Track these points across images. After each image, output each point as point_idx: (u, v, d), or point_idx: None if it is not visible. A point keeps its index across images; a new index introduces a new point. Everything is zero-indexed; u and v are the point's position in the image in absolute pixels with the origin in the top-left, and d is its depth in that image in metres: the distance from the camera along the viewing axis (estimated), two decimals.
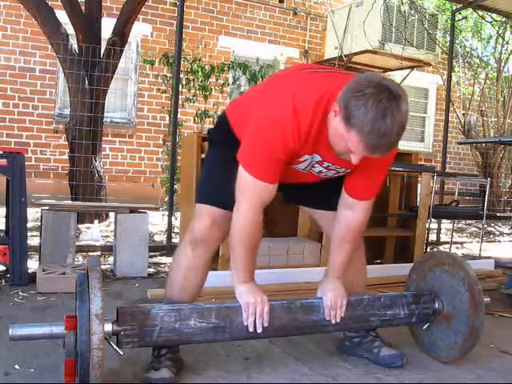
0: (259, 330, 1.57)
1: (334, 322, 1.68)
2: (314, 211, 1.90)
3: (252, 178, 1.53)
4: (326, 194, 1.77)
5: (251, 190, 1.54)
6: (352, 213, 1.70)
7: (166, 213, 4.13)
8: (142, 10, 4.77)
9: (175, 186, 4.12)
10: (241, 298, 1.59)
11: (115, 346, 1.44)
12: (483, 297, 1.77)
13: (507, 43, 7.90)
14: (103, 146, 4.89)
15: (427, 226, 3.60)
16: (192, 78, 4.83)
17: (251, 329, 1.57)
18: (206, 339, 1.60)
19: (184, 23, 4.11)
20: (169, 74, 4.99)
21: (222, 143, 1.73)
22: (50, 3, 4.32)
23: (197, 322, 1.54)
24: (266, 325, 1.58)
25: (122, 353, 1.45)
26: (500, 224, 6.86)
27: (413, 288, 1.97)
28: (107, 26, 4.50)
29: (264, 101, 1.55)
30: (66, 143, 4.70)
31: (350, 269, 1.80)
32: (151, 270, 3.14)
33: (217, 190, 1.69)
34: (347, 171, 1.64)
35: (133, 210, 3.11)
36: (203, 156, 3.09)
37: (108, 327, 1.43)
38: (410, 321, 1.84)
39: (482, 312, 1.75)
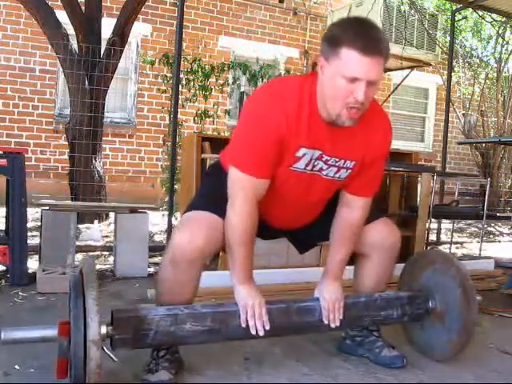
0: (261, 333, 1.56)
1: (333, 325, 1.67)
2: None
3: (242, 174, 1.51)
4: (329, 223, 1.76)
5: (243, 185, 1.52)
6: (350, 210, 1.69)
7: (166, 213, 4.13)
8: (142, 10, 4.77)
9: (175, 186, 4.12)
10: (239, 300, 1.58)
11: (110, 353, 1.44)
12: (475, 292, 1.77)
13: (507, 43, 7.90)
14: (103, 145, 4.89)
15: (427, 226, 3.60)
16: (192, 77, 4.84)
17: (253, 331, 1.56)
18: (200, 341, 1.60)
19: (184, 23, 4.11)
20: (169, 74, 5.00)
21: (217, 176, 1.69)
22: (50, 3, 4.32)
23: (192, 326, 1.53)
24: (267, 327, 1.56)
25: (116, 359, 1.44)
26: (500, 224, 6.86)
27: (405, 289, 1.96)
28: (107, 25, 4.50)
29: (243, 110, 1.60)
30: (66, 143, 4.70)
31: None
32: (151, 270, 3.13)
33: (207, 201, 1.66)
34: (348, 164, 1.61)
35: (133, 210, 3.11)
36: (203, 156, 3.10)
37: (103, 330, 1.41)
38: (402, 320, 1.84)
39: (474, 307, 1.75)
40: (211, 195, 1.69)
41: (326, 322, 1.67)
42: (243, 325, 1.56)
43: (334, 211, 1.73)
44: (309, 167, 1.58)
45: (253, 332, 1.56)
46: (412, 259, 2.02)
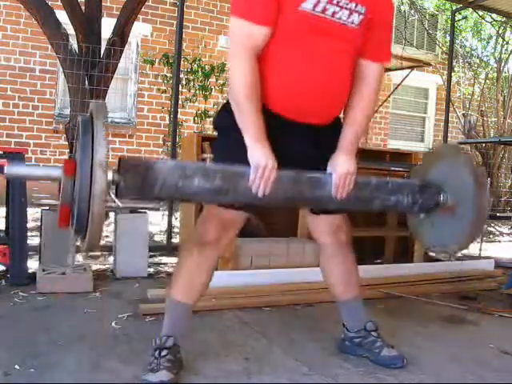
0: (260, 194, 1.51)
1: (339, 198, 1.62)
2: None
3: (242, 20, 1.49)
4: None
5: (241, 35, 1.50)
6: (364, 79, 1.67)
7: (166, 213, 4.13)
8: (142, 10, 4.76)
9: None
10: (252, 158, 1.52)
11: (114, 197, 1.38)
12: (486, 178, 1.76)
13: (507, 43, 7.90)
14: None
15: None
16: (192, 78, 4.84)
17: (254, 191, 1.51)
18: (207, 200, 1.57)
19: (184, 23, 4.11)
20: (169, 74, 5.00)
21: (229, 127, 1.61)
22: (50, 3, 4.32)
23: (200, 183, 1.47)
24: (267, 191, 1.52)
25: (120, 204, 1.40)
26: (500, 224, 6.86)
27: None
28: (107, 25, 4.50)
29: None
30: (66, 143, 4.70)
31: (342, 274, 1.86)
32: (151, 270, 3.14)
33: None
34: (359, 9, 1.57)
35: (133, 210, 3.11)
36: (203, 156, 3.09)
37: (109, 176, 1.35)
38: (412, 209, 1.79)
39: (486, 192, 1.73)
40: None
41: (333, 195, 1.62)
42: (250, 184, 1.51)
43: None
44: (318, 8, 1.51)
45: (254, 191, 1.51)
46: (423, 156, 1.97)
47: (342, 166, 1.62)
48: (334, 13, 1.54)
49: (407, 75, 7.21)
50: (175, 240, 3.89)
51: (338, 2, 1.54)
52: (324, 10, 1.52)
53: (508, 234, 6.33)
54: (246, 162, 1.51)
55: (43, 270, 2.64)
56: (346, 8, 1.56)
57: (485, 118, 8.16)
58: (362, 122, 1.69)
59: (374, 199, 1.70)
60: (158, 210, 4.47)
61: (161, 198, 1.52)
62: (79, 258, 3.32)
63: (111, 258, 3.27)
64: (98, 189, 1.24)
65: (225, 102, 1.69)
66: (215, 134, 1.78)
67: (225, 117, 1.64)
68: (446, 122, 5.34)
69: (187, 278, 1.71)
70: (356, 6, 1.57)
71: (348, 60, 1.63)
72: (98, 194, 1.25)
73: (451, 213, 1.77)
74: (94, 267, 3.09)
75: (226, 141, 1.67)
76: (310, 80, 1.57)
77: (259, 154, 1.51)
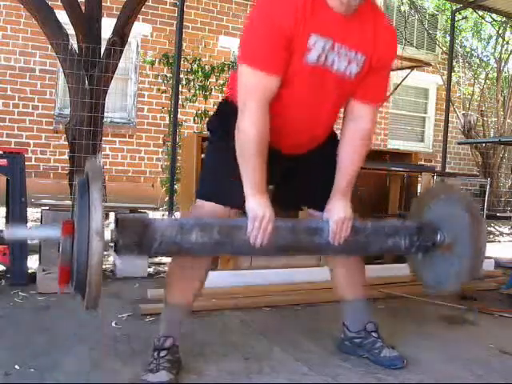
0: (258, 245, 1.53)
1: (336, 244, 1.63)
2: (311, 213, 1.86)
3: (253, 70, 1.47)
4: (323, 192, 1.71)
5: (254, 84, 1.48)
6: (357, 122, 1.66)
7: (166, 213, 4.13)
8: (142, 10, 4.77)
9: (175, 186, 4.12)
10: (249, 209, 1.52)
11: (113, 253, 1.42)
12: (481, 215, 1.76)
13: (507, 43, 7.91)
14: (103, 145, 4.89)
15: None
16: (192, 77, 4.84)
17: (252, 241, 1.52)
18: (205, 253, 1.57)
19: (184, 23, 4.12)
20: (169, 74, 5.00)
21: (226, 131, 1.60)
22: (50, 3, 4.32)
23: (198, 237, 1.49)
24: (265, 242, 1.53)
25: (119, 261, 1.43)
26: (500, 224, 6.86)
27: None
28: (107, 25, 4.50)
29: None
30: (66, 143, 4.70)
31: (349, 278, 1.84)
32: (151, 270, 3.13)
33: (221, 185, 1.63)
34: (359, 58, 1.57)
35: (133, 210, 3.11)
36: (203, 156, 3.09)
37: (107, 235, 1.39)
38: (410, 251, 1.80)
39: (483, 228, 1.73)
40: (220, 174, 1.65)
41: (331, 241, 1.63)
42: (248, 235, 1.52)
43: (332, 174, 1.70)
44: (321, 59, 1.53)
45: (251, 242, 1.52)
46: (417, 198, 1.97)
47: (338, 213, 1.64)
48: (333, 62, 1.55)
49: (407, 75, 7.21)
50: None
51: (338, 51, 1.54)
52: (325, 60, 1.54)
53: (508, 234, 6.32)
54: (233, 164, 1.52)
55: (43, 270, 2.64)
56: (345, 57, 1.56)
57: (485, 118, 8.17)
58: (356, 170, 1.69)
59: (371, 243, 1.73)
60: (157, 209, 4.48)
61: (159, 254, 1.53)
62: None
63: (111, 258, 3.27)
64: (95, 259, 1.31)
65: (221, 101, 1.75)
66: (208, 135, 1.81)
67: (213, 121, 1.76)
68: (446, 122, 5.35)
69: (178, 287, 1.67)
70: (356, 55, 1.57)
71: (337, 103, 1.67)
72: (95, 264, 1.30)
73: (449, 251, 1.79)
74: None
75: (219, 143, 1.70)
76: (293, 127, 1.63)
77: (256, 204, 1.52)
